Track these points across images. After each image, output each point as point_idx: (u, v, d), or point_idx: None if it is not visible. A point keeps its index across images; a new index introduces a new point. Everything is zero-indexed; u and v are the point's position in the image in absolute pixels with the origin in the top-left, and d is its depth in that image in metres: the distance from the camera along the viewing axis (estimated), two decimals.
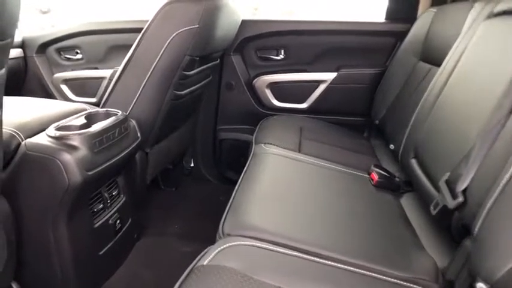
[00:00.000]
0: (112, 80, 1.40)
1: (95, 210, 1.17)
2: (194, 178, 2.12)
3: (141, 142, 1.36)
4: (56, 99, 2.16)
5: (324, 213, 1.02)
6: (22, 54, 2.10)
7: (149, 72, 1.32)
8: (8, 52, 0.78)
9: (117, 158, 1.16)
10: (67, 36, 2.04)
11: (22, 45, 2.09)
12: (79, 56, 2.09)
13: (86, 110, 1.29)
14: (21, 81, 2.16)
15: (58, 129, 1.06)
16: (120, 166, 1.24)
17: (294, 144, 1.45)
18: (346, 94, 1.90)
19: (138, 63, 1.34)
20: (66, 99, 2.15)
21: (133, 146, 1.27)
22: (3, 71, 0.78)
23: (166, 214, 1.76)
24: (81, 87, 2.12)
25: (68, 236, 1.06)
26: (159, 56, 1.31)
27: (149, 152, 1.50)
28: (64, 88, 2.14)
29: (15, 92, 2.17)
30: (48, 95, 2.16)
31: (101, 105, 1.39)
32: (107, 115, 1.23)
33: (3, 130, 1.00)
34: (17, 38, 2.06)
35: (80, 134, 1.04)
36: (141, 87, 1.34)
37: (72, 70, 2.12)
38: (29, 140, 1.02)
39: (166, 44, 1.30)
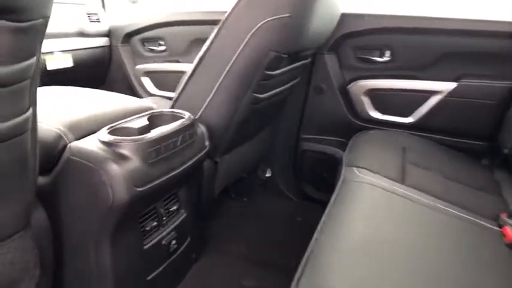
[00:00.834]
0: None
1: (147, 229, 0.99)
2: (269, 190, 1.89)
3: (210, 151, 1.16)
4: (137, 91, 2.09)
5: (438, 283, 0.71)
6: (108, 43, 2.06)
7: (225, 70, 1.11)
8: (41, 36, 0.61)
9: (178, 170, 0.97)
10: (151, 27, 1.94)
11: (108, 34, 2.05)
12: (162, 48, 1.98)
13: (152, 109, 1.12)
14: (105, 70, 2.13)
15: (111, 132, 0.89)
16: (181, 178, 1.05)
17: (395, 171, 1.13)
18: (466, 111, 1.50)
19: (213, 60, 1.13)
20: (146, 92, 2.07)
21: (199, 156, 1.07)
22: (34, 60, 0.61)
23: (232, 228, 1.56)
24: (162, 81, 2.02)
25: (111, 259, 0.90)
26: (238, 51, 1.09)
27: (219, 161, 1.30)
28: (145, 80, 2.05)
29: (99, 82, 2.14)
30: (130, 86, 2.10)
31: (170, 105, 1.22)
32: (173, 117, 1.05)
33: (50, 128, 0.86)
34: (104, 27, 2.02)
35: (133, 141, 0.85)
36: (215, 88, 1.14)
37: (154, 62, 2.02)
38: (75, 143, 0.87)
39: (249, 36, 1.08)
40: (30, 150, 0.72)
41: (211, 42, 1.13)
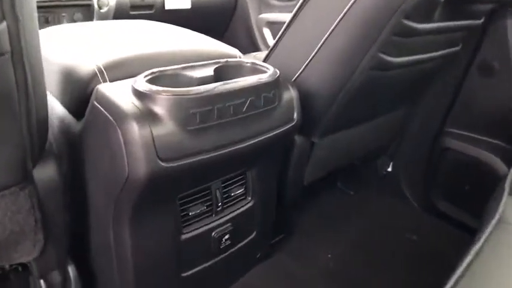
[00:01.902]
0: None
1: (190, 214, 0.75)
2: (386, 188, 1.47)
3: (305, 126, 0.84)
4: (258, 44, 1.85)
5: None
6: None
7: (339, 14, 0.75)
8: None
9: (242, 145, 0.68)
10: None
11: None
12: None
13: (233, 56, 0.84)
14: (227, 20, 1.92)
15: (153, 79, 0.64)
16: (250, 156, 0.77)
17: None
18: None
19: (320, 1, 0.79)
20: (266, 45, 1.81)
21: (281, 129, 0.76)
22: None
23: (322, 229, 1.22)
24: None
25: (132, 242, 0.68)
26: None
27: (317, 142, 0.97)
28: (266, 32, 1.79)
29: (217, 32, 1.96)
30: (251, 39, 1.87)
31: (263, 59, 0.92)
32: (253, 70, 0.75)
33: (87, 64, 0.66)
34: None
35: (171, 94, 0.59)
36: (322, 40, 0.79)
37: (279, 12, 1.73)
38: (104, 85, 0.65)
39: None
40: (20, 83, 0.51)
41: None
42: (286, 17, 1.63)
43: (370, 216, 1.32)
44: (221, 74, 0.72)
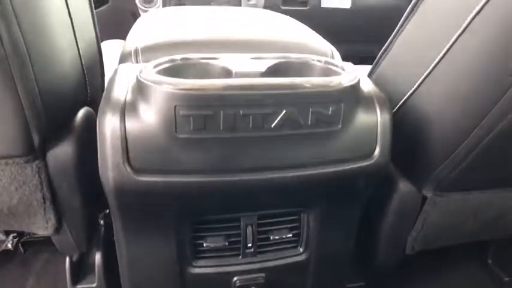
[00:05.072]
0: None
1: (204, 245, 0.57)
2: None
3: (409, 169, 0.57)
4: None
5: None
6: None
7: (458, 30, 0.44)
8: None
9: (260, 175, 0.47)
10: None
11: None
12: None
13: (323, 54, 0.62)
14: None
15: (170, 67, 0.49)
16: (292, 194, 0.55)
17: None
18: None
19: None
20: None
21: (340, 167, 0.51)
22: None
23: None
24: None
25: (127, 259, 0.56)
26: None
27: (430, 197, 0.65)
28: None
29: (380, 38, 1.67)
30: None
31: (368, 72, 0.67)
32: (325, 72, 0.53)
33: (128, 45, 0.57)
34: None
35: (160, 83, 0.43)
36: (445, 48, 0.49)
37: None
38: (122, 66, 0.54)
39: None
40: (7, 44, 0.45)
41: None
42: None
43: None
44: (278, 72, 0.52)
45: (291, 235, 0.61)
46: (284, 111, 0.44)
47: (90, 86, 0.70)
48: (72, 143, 0.58)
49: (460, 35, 0.47)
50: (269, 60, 0.54)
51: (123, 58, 0.59)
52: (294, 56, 0.55)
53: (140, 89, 0.44)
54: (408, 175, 0.64)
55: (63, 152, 0.57)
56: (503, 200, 0.68)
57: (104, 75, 0.77)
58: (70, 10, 0.60)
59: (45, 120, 0.55)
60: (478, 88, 0.49)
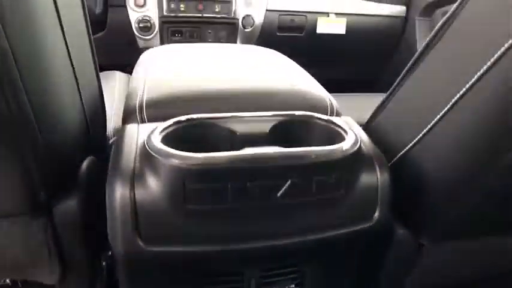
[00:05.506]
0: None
1: None
2: None
3: (411, 220, 0.58)
4: None
5: None
6: (404, 14, 1.56)
7: (465, 85, 0.46)
8: None
9: (267, 242, 0.49)
10: None
11: (408, 2, 1.53)
12: None
13: (322, 108, 0.64)
14: (391, 50, 1.65)
15: (176, 129, 0.50)
16: (296, 255, 0.56)
17: None
18: None
19: (445, 57, 0.51)
20: None
21: (342, 230, 0.52)
22: None
23: None
24: None
25: None
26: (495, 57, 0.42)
27: (426, 245, 0.67)
28: None
29: (376, 62, 1.70)
30: None
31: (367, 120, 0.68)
32: (328, 133, 0.54)
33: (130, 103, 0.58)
34: None
35: (168, 157, 0.44)
36: (444, 111, 0.51)
37: None
38: (129, 126, 0.55)
39: None
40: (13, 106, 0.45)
41: (446, 25, 0.50)
42: None
43: None
44: (281, 131, 0.53)
45: (293, 286, 0.63)
46: (289, 182, 0.46)
47: (92, 131, 0.70)
48: (77, 197, 0.58)
49: (474, 83, 0.47)
50: (272, 117, 0.55)
51: (128, 114, 0.59)
52: (296, 114, 0.56)
53: (148, 159, 0.46)
54: (405, 222, 0.66)
55: (68, 206, 0.58)
56: (502, 246, 0.70)
57: (105, 118, 0.77)
58: (70, 53, 0.59)
59: (51, 177, 0.55)
60: (485, 139, 0.50)
